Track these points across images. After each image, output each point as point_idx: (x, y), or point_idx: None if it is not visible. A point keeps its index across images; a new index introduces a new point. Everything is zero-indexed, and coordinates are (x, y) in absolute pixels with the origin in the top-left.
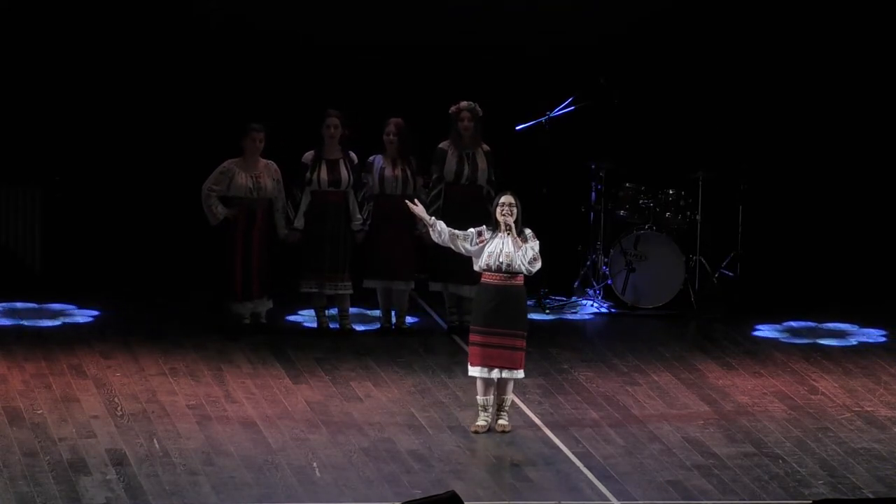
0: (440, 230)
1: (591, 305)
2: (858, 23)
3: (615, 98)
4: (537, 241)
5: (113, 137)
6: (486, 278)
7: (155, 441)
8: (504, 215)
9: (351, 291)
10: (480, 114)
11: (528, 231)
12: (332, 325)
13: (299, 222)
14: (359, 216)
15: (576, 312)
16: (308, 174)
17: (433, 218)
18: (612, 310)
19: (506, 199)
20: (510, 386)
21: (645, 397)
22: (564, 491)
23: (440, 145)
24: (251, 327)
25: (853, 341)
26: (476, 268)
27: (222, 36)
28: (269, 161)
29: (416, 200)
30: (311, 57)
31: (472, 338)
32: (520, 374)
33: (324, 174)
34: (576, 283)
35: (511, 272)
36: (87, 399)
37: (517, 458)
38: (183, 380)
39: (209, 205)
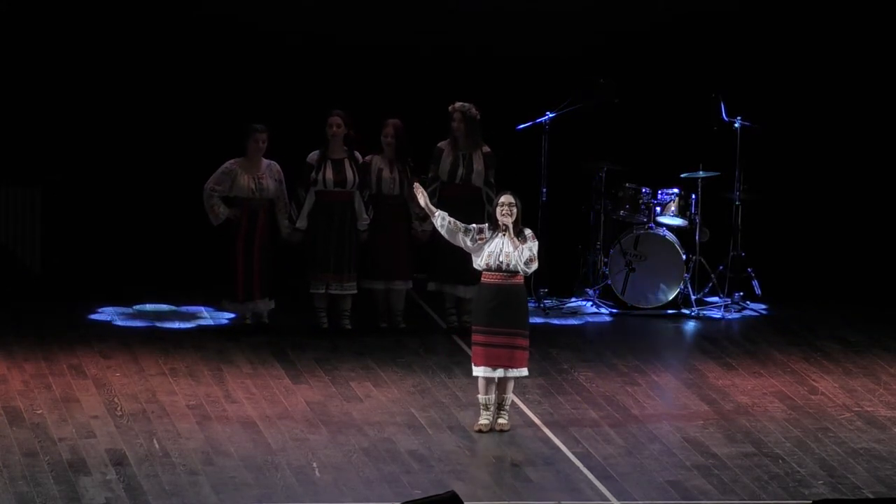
0: (442, 222)
1: (590, 305)
2: (858, 23)
3: (615, 98)
4: (536, 242)
5: (113, 138)
6: (486, 278)
7: (155, 441)
8: (503, 215)
9: (355, 291)
10: (475, 115)
11: (527, 231)
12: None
13: (302, 223)
14: (365, 216)
15: (575, 314)
16: (313, 174)
17: (436, 209)
18: (612, 310)
19: (505, 198)
20: (510, 385)
21: (645, 397)
22: (564, 491)
23: (438, 144)
24: (251, 327)
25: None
26: (475, 266)
27: (222, 35)
28: (272, 161)
29: (419, 186)
30: (313, 57)
31: (476, 338)
32: (523, 371)
33: (329, 174)
34: (576, 285)
35: (510, 271)
36: (87, 399)
37: (517, 458)
38: (183, 380)
39: (211, 204)
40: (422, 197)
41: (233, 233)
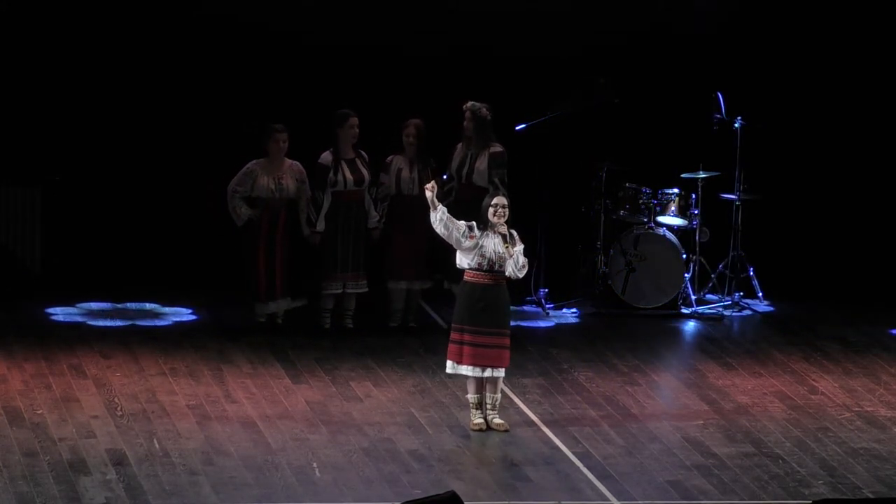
0: (441, 216)
1: (589, 306)
2: (858, 23)
3: (615, 98)
4: (522, 245)
5: (113, 138)
6: (474, 277)
7: (155, 441)
8: (498, 217)
9: (366, 290)
10: (485, 115)
11: (514, 233)
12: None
13: (321, 225)
14: (374, 213)
15: (575, 314)
16: (332, 175)
17: (439, 203)
18: (611, 310)
19: (499, 200)
20: (499, 384)
21: (645, 397)
22: (564, 491)
23: (457, 145)
24: (265, 325)
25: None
26: (462, 264)
27: (222, 35)
28: (294, 161)
29: (434, 182)
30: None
31: (457, 336)
32: (502, 371)
33: (347, 174)
34: (575, 285)
35: (499, 272)
36: (87, 399)
37: (517, 458)
38: (183, 380)
39: (234, 205)
40: (430, 192)
41: (254, 233)
